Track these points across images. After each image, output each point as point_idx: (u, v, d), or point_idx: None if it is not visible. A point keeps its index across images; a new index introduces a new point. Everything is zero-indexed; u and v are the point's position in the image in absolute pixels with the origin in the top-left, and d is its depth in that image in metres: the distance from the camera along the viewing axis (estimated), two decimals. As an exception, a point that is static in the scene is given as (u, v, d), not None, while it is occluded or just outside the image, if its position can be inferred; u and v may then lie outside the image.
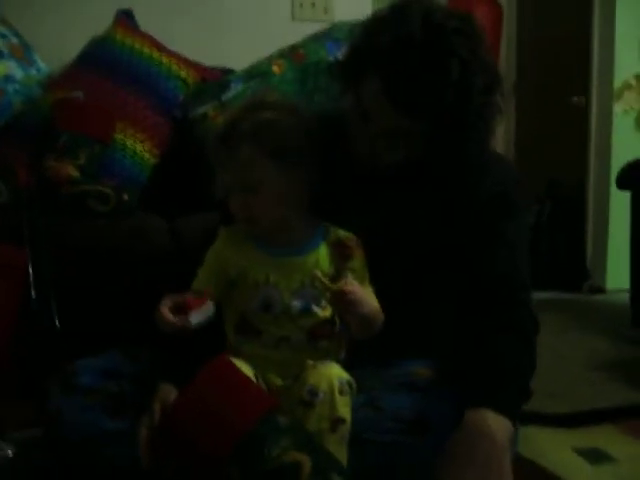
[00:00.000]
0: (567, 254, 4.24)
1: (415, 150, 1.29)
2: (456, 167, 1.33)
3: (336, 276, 1.20)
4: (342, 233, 1.29)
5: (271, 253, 1.27)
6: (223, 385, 1.10)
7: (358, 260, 1.25)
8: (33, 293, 1.87)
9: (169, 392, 1.19)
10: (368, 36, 1.26)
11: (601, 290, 4.11)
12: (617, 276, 3.86)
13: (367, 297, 1.20)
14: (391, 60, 1.19)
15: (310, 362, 1.20)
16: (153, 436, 1.15)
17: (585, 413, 2.18)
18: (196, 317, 1.15)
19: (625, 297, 3.17)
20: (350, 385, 1.17)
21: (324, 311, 1.25)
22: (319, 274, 1.19)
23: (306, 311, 1.24)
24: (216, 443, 1.06)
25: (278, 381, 1.22)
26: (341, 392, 1.14)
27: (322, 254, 1.27)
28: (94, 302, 1.98)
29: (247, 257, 1.26)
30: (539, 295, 3.84)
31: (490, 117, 1.29)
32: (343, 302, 1.17)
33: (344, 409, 1.14)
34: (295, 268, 1.25)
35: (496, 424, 1.12)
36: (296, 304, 1.23)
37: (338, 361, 1.25)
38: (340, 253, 1.20)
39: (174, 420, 1.09)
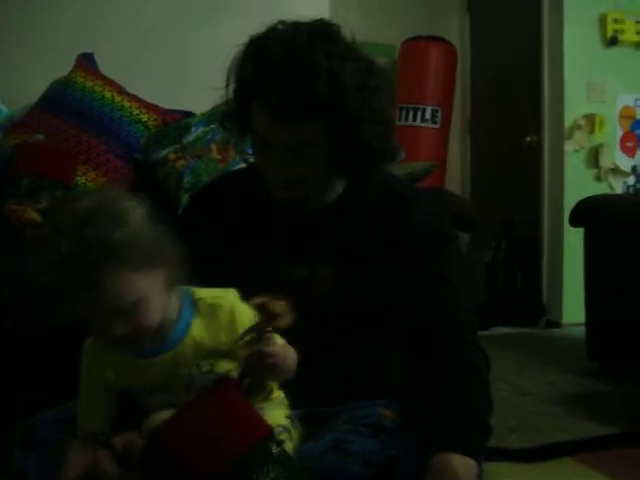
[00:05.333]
0: (524, 290, 4.31)
1: (321, 170, 1.31)
2: (370, 169, 1.36)
3: (256, 338, 1.11)
4: (213, 297, 1.18)
5: (144, 356, 1.14)
6: (224, 406, 1.08)
7: (284, 319, 1.12)
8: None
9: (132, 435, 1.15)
10: (236, 76, 1.30)
11: (557, 324, 4.18)
12: (572, 310, 3.92)
13: (286, 351, 1.14)
14: (261, 81, 1.23)
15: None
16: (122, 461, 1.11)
17: (545, 447, 2.20)
18: None
19: (581, 331, 3.22)
20: (290, 427, 1.15)
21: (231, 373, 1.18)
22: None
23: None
24: (209, 463, 1.03)
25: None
26: (278, 443, 1.10)
27: (197, 332, 1.15)
28: (61, 344, 1.96)
29: (123, 370, 1.15)
30: (497, 330, 3.96)
31: (376, 99, 1.28)
32: (262, 365, 1.11)
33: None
34: (177, 363, 1.14)
35: (461, 466, 1.13)
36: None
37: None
38: (264, 318, 1.10)
39: (168, 435, 1.06)
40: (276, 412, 1.17)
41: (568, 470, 2.07)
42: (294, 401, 1.24)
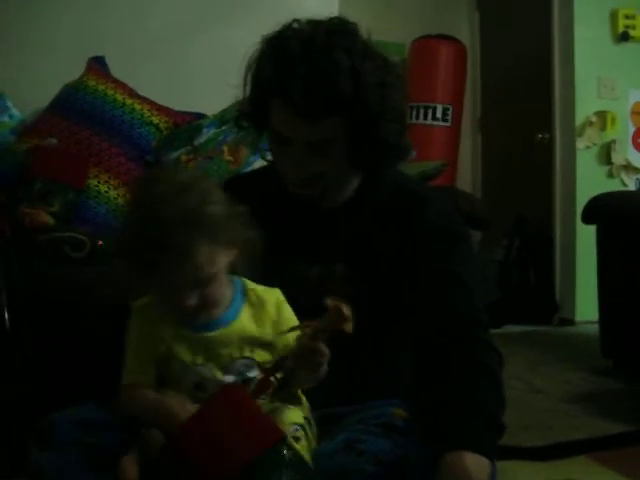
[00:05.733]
0: (536, 288, 4.29)
1: (339, 166, 1.33)
2: (384, 166, 1.39)
3: (312, 335, 1.14)
4: (262, 290, 1.24)
5: (193, 329, 1.19)
6: (236, 411, 1.09)
7: (350, 324, 1.14)
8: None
9: (155, 433, 1.16)
10: (254, 75, 1.33)
11: (571, 322, 4.16)
12: (586, 308, 3.91)
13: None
14: (282, 78, 1.25)
15: (264, 409, 1.16)
16: (145, 468, 1.12)
17: (560, 445, 2.19)
18: None
19: (594, 328, 3.21)
20: (306, 426, 1.16)
21: (260, 372, 1.21)
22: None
23: (242, 383, 1.19)
24: (223, 467, 1.04)
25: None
26: (296, 439, 1.13)
27: (245, 318, 1.21)
28: (70, 348, 1.97)
29: (170, 335, 1.18)
30: (510, 329, 3.94)
31: (392, 96, 1.31)
32: (312, 361, 1.15)
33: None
34: (222, 343, 1.18)
35: (473, 464, 1.13)
36: (229, 379, 1.18)
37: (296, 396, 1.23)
38: (334, 319, 1.12)
39: (184, 440, 1.07)
40: (293, 411, 1.18)
41: (582, 468, 2.06)
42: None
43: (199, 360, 1.18)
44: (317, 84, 1.22)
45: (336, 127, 1.27)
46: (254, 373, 1.19)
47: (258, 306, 1.22)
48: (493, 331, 1.36)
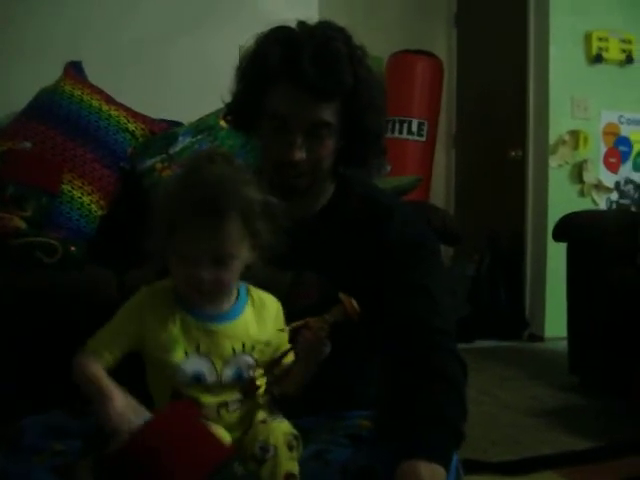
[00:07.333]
0: (507, 304, 4.33)
1: (328, 157, 1.38)
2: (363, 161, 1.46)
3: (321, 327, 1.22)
4: (262, 293, 1.30)
5: (200, 319, 1.21)
6: (182, 429, 1.08)
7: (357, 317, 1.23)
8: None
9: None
10: (255, 63, 1.37)
11: (540, 338, 4.20)
12: (555, 324, 3.94)
13: None
14: (292, 59, 1.31)
15: (260, 417, 1.20)
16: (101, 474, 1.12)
17: (527, 460, 2.21)
18: None
19: (563, 345, 3.25)
20: (297, 439, 1.18)
21: (259, 372, 1.24)
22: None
23: (239, 378, 1.22)
24: None
25: (227, 437, 1.19)
26: (290, 447, 1.15)
27: (249, 316, 1.25)
28: (39, 355, 1.95)
29: (174, 324, 1.20)
30: (480, 344, 3.97)
31: (380, 96, 1.41)
32: (318, 351, 1.23)
33: (293, 464, 1.15)
34: (225, 335, 1.21)
35: (427, 473, 1.12)
36: (228, 373, 1.21)
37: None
38: (344, 311, 1.21)
39: (130, 457, 1.06)
40: (285, 423, 1.20)
41: (548, 483, 2.08)
42: None
43: (202, 349, 1.20)
44: (325, 66, 1.30)
45: (334, 113, 1.34)
46: (250, 372, 1.22)
47: (260, 307, 1.27)
48: (463, 346, 1.38)
